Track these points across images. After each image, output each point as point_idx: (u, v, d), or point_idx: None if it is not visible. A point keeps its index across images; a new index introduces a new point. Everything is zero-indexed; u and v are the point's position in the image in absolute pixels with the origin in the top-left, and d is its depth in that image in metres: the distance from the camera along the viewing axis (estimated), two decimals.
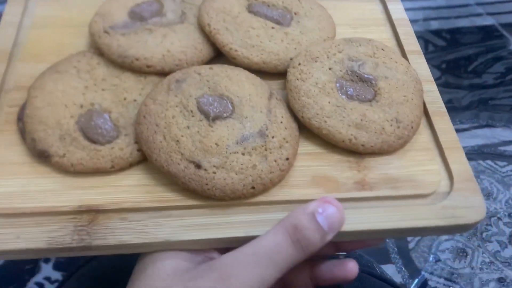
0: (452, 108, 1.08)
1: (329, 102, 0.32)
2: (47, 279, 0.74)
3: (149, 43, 0.34)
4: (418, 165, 0.32)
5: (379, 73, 0.34)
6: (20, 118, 0.32)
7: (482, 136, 1.02)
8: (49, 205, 0.28)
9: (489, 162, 0.96)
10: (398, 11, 0.41)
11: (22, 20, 0.39)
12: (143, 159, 0.31)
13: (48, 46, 0.37)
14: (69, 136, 0.30)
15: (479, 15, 1.30)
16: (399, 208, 0.30)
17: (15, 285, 0.73)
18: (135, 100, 0.32)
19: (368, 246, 0.32)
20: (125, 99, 0.32)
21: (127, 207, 0.28)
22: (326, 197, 0.28)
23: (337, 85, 0.33)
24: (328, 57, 0.35)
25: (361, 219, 0.29)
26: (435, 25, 1.28)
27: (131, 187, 0.29)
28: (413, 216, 0.30)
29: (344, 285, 0.39)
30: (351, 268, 0.29)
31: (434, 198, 0.31)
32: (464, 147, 0.32)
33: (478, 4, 1.33)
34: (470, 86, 1.13)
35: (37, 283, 0.73)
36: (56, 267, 0.76)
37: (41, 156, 0.30)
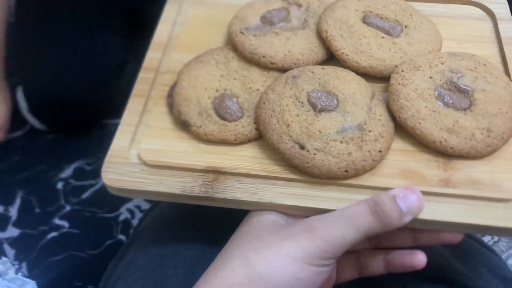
0: None
1: (425, 107, 0.36)
2: (137, 207, 0.84)
3: (275, 44, 0.41)
4: (503, 172, 0.34)
5: (477, 86, 0.37)
6: (170, 95, 0.41)
7: None
8: (185, 162, 0.36)
9: None
10: (509, 30, 0.43)
11: (176, 18, 0.48)
12: (259, 137, 0.37)
13: (194, 40, 0.45)
14: (206, 112, 0.38)
15: None
16: (477, 207, 0.33)
17: (108, 208, 0.84)
18: (258, 90, 0.40)
19: (444, 243, 0.35)
20: (250, 88, 0.40)
21: (242, 172, 0.35)
22: (409, 185, 0.32)
23: (436, 92, 0.37)
24: (430, 67, 0.38)
25: (441, 211, 0.33)
26: None
27: (247, 158, 0.36)
28: (490, 215, 0.32)
29: (446, 249, 0.41)
30: (420, 258, 0.33)
31: None
32: None
33: None
34: None
35: (128, 210, 0.84)
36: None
37: (183, 125, 0.38)
